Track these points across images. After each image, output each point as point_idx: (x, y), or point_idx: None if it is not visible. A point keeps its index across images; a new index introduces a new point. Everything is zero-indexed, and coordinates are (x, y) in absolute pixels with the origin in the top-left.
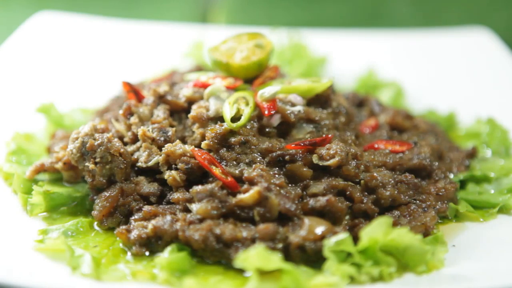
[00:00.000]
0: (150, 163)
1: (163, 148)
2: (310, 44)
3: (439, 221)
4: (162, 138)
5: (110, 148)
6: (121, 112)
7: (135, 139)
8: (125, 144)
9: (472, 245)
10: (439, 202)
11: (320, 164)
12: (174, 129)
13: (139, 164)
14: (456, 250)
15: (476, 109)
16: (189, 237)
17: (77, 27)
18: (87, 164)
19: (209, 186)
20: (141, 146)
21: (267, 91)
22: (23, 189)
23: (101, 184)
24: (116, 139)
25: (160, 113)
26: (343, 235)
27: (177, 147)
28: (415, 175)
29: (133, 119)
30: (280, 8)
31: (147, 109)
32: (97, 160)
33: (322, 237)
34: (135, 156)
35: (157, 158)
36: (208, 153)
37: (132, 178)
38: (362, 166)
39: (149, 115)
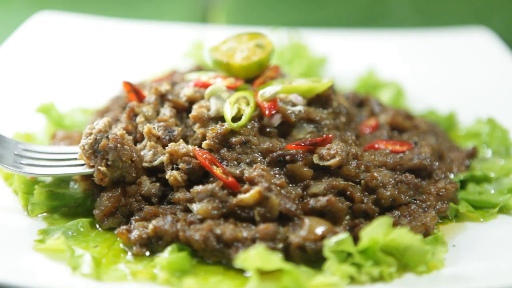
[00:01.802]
0: (155, 163)
1: (166, 148)
2: (310, 44)
3: (439, 221)
4: (167, 137)
5: (122, 155)
6: (125, 115)
7: (141, 138)
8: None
9: (472, 245)
10: (440, 202)
11: (321, 164)
12: (180, 128)
13: (143, 163)
14: (456, 250)
15: (476, 109)
16: (190, 237)
17: (77, 27)
18: (99, 167)
19: (209, 186)
20: (146, 145)
21: (267, 91)
22: (24, 189)
23: (109, 184)
24: (130, 141)
25: (167, 111)
26: (343, 235)
27: (181, 146)
28: (415, 175)
29: (139, 119)
30: (280, 8)
31: (151, 108)
32: (109, 162)
33: (322, 237)
34: (141, 154)
35: (162, 158)
36: (209, 153)
37: None
38: (362, 166)
39: (154, 113)
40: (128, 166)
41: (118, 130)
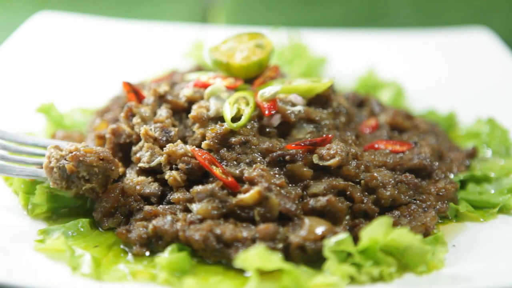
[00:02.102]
0: (153, 164)
1: (164, 148)
2: (310, 44)
3: (439, 221)
4: (164, 138)
5: (92, 162)
6: (122, 114)
7: (138, 139)
8: (130, 143)
9: (472, 245)
10: (439, 202)
11: (321, 164)
12: (176, 129)
13: (141, 164)
14: (456, 250)
15: (476, 109)
16: (190, 237)
17: (77, 27)
18: (84, 188)
19: (209, 186)
20: (143, 146)
21: (267, 91)
22: (24, 189)
23: (104, 190)
24: (83, 147)
25: (163, 112)
26: (343, 235)
27: (179, 147)
28: (415, 175)
29: (136, 120)
30: (280, 8)
31: (149, 109)
32: (87, 177)
33: (322, 237)
34: (138, 155)
35: (160, 159)
36: (209, 153)
37: (132, 179)
38: (362, 166)
39: (151, 115)
40: (103, 166)
41: (69, 145)
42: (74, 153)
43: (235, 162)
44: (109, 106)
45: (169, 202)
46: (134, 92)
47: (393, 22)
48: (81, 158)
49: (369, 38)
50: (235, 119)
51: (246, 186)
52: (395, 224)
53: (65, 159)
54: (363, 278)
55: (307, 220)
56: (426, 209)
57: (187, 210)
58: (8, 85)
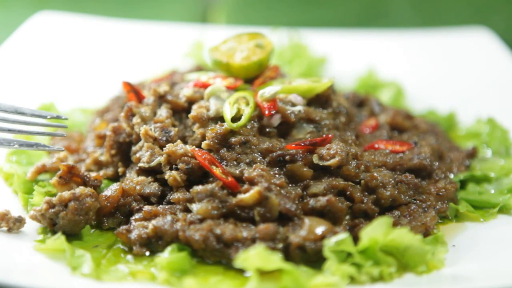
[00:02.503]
0: (152, 164)
1: (164, 148)
2: (310, 44)
3: (439, 221)
4: (164, 138)
5: (77, 210)
6: (122, 114)
7: (138, 139)
8: (130, 143)
9: (472, 245)
10: (439, 202)
11: (321, 164)
12: (176, 129)
13: (141, 164)
14: (456, 250)
15: (476, 109)
16: (190, 237)
17: (77, 27)
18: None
19: (209, 186)
20: (143, 146)
21: (267, 91)
22: (24, 189)
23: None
24: (80, 193)
25: (163, 112)
26: (343, 235)
27: (178, 147)
28: (415, 175)
29: (136, 120)
30: (280, 8)
31: (149, 109)
32: (81, 216)
33: (322, 237)
34: (137, 155)
35: (159, 159)
36: (209, 153)
37: (132, 179)
38: (362, 166)
39: (151, 115)
40: (88, 201)
41: (57, 200)
42: (66, 209)
43: (235, 162)
44: (109, 106)
45: (169, 202)
46: (134, 92)
47: (393, 22)
48: (68, 212)
49: (369, 38)
50: (235, 119)
51: (246, 186)
52: (395, 224)
53: (58, 215)
54: (363, 278)
55: (307, 220)
56: (426, 209)
57: (187, 210)
58: (8, 85)
